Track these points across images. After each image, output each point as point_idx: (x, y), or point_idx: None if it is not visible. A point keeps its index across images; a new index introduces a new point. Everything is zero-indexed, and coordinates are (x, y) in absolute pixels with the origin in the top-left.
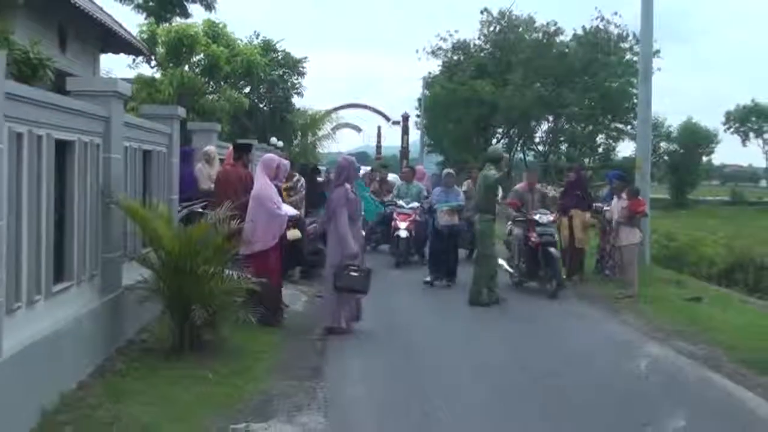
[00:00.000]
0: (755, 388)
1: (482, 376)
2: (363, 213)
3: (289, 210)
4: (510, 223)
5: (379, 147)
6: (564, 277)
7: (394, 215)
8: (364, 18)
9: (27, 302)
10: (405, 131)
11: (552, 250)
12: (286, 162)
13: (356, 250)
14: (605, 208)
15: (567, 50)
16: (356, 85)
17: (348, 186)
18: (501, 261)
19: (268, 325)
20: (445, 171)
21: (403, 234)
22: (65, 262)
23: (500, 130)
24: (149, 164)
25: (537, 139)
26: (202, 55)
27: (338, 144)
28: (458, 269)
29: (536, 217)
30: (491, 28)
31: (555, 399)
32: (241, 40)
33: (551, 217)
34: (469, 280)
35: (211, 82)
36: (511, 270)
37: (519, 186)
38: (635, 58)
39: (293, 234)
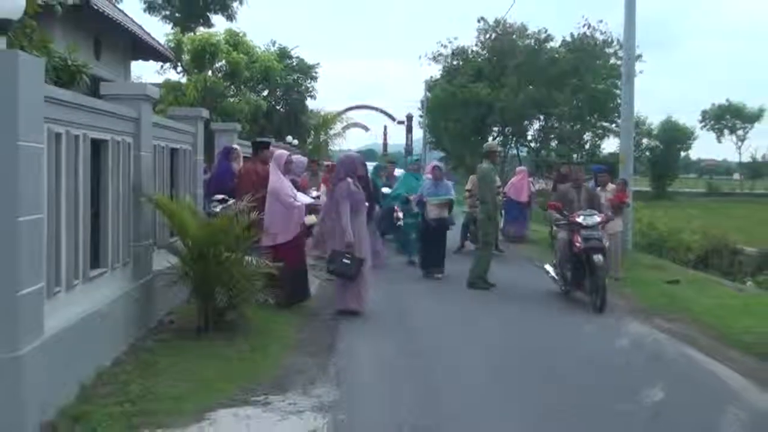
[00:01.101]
0: (727, 361)
1: (480, 352)
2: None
3: (304, 199)
4: (554, 225)
5: (385, 144)
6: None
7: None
8: (371, 26)
9: (66, 287)
10: (409, 130)
11: (596, 258)
12: (302, 158)
13: (353, 240)
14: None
15: (557, 55)
16: (364, 87)
17: (350, 180)
18: (547, 267)
19: (284, 307)
20: (434, 164)
21: None
22: (100, 251)
23: (496, 129)
24: (176, 161)
25: (529, 137)
26: (224, 62)
27: (347, 142)
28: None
29: (579, 219)
30: (487, 36)
31: (546, 371)
32: (259, 48)
33: (598, 219)
34: (466, 269)
35: (232, 86)
36: (556, 277)
37: (563, 185)
38: (619, 62)
39: (310, 219)
